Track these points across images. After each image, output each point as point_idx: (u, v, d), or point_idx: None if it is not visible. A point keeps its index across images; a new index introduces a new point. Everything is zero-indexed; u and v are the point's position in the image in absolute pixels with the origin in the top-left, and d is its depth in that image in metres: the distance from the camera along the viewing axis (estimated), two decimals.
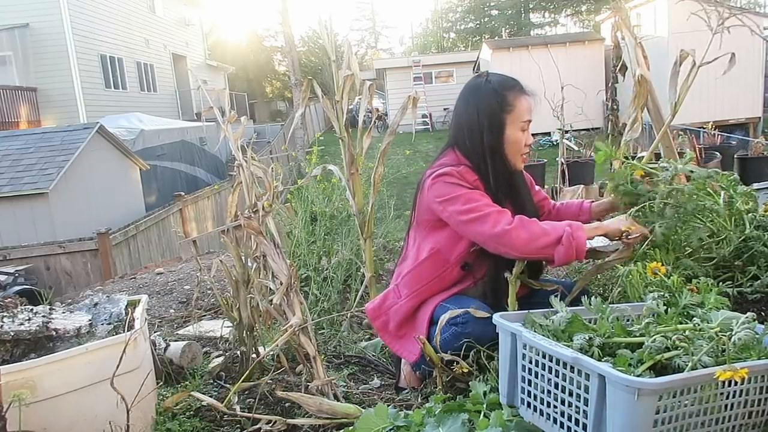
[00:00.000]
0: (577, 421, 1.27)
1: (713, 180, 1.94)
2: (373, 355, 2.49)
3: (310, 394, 1.84)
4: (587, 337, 1.35)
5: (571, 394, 1.29)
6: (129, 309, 1.95)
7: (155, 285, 4.22)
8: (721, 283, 1.87)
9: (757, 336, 1.30)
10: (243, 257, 2.22)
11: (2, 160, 9.27)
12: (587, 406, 1.24)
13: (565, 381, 1.30)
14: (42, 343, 1.72)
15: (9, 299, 1.95)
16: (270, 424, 1.78)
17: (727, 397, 1.24)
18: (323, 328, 2.86)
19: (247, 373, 2.05)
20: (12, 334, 1.66)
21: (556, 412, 1.33)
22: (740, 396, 1.25)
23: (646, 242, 1.82)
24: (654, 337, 1.29)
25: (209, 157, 16.74)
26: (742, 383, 1.21)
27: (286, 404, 1.97)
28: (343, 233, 3.64)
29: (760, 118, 14.77)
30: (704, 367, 1.21)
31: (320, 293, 3.16)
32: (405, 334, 1.97)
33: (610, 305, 1.55)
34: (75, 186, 9.45)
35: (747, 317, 1.33)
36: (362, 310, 2.81)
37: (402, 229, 4.34)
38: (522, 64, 14.92)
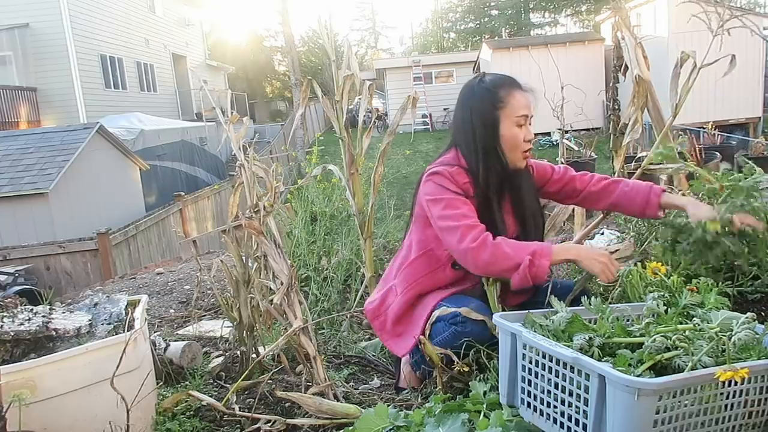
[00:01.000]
0: (577, 421, 1.27)
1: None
2: (373, 355, 2.50)
3: (309, 395, 1.84)
4: (587, 337, 1.35)
5: (571, 394, 1.29)
6: (129, 309, 1.95)
7: (155, 285, 4.22)
8: (721, 283, 1.87)
9: (757, 336, 1.30)
10: (243, 257, 2.22)
11: (2, 160, 9.27)
12: (587, 406, 1.24)
13: (565, 381, 1.30)
14: (42, 343, 1.72)
15: (9, 299, 1.95)
16: (270, 424, 1.78)
17: (727, 397, 1.24)
18: (323, 328, 2.86)
19: (246, 372, 2.05)
20: (12, 334, 1.66)
21: (556, 412, 1.33)
22: (740, 396, 1.25)
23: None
24: (654, 337, 1.29)
25: (209, 157, 16.74)
26: (742, 383, 1.21)
27: (286, 404, 1.97)
28: (343, 233, 3.64)
29: (760, 118, 14.75)
30: (704, 367, 1.21)
31: (320, 293, 3.16)
32: (402, 332, 1.97)
33: (610, 305, 1.55)
34: (75, 186, 9.45)
35: (747, 317, 1.33)
36: (362, 310, 2.81)
37: (402, 229, 4.34)
38: (522, 64, 14.92)
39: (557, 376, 1.32)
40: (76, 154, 9.37)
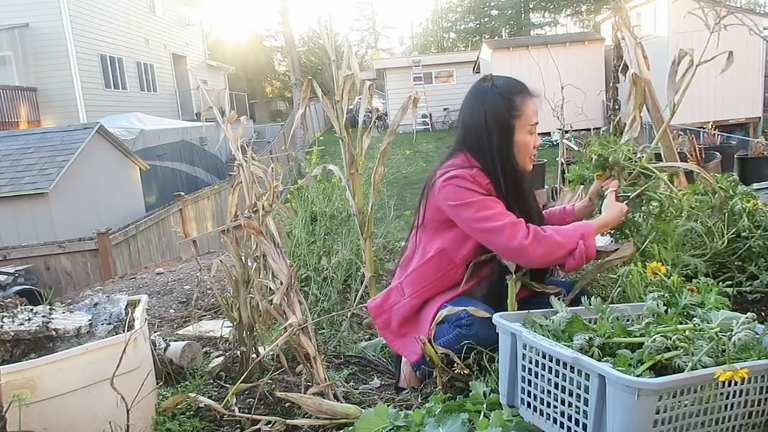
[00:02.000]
0: (577, 421, 1.27)
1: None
2: (373, 355, 2.49)
3: (309, 395, 1.84)
4: (587, 337, 1.35)
5: (571, 394, 1.29)
6: (129, 309, 1.95)
7: (155, 285, 4.22)
8: (720, 283, 1.88)
9: (757, 336, 1.30)
10: (243, 257, 2.22)
11: (2, 160, 9.27)
12: (587, 406, 1.24)
13: (565, 381, 1.30)
14: (42, 343, 1.72)
15: (9, 299, 1.95)
16: (269, 425, 1.78)
17: (727, 397, 1.24)
18: (323, 328, 2.86)
19: (246, 373, 2.05)
20: (12, 334, 1.66)
21: (556, 412, 1.33)
22: (740, 396, 1.25)
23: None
24: (654, 337, 1.29)
25: (209, 157, 16.74)
26: (742, 383, 1.21)
27: (286, 404, 1.97)
28: (343, 233, 3.64)
29: (760, 118, 14.76)
30: (704, 367, 1.21)
31: (320, 293, 3.16)
32: (407, 333, 1.97)
33: (610, 305, 1.55)
34: (75, 186, 9.45)
35: (747, 317, 1.33)
36: (363, 308, 2.81)
37: (402, 229, 4.34)
38: (522, 64, 14.93)
39: (557, 376, 1.32)
40: (76, 154, 9.37)
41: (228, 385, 2.19)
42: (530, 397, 1.42)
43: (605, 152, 1.98)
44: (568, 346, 1.33)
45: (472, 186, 1.82)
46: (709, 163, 6.72)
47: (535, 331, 1.44)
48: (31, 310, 1.81)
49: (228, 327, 2.64)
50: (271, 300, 2.05)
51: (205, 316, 3.32)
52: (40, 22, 14.30)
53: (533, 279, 1.90)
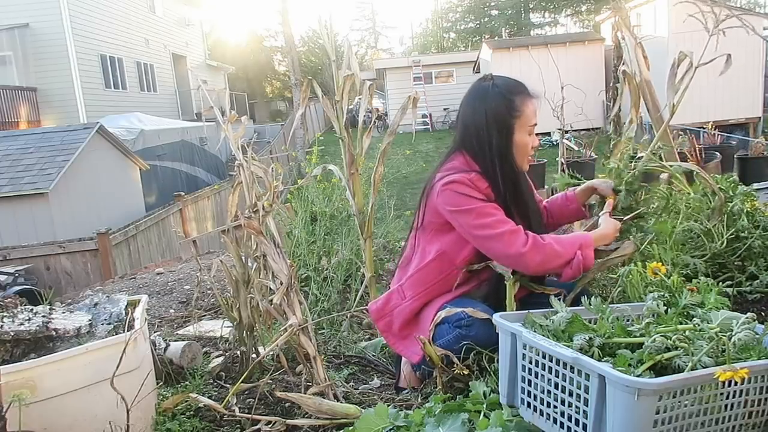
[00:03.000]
0: (577, 421, 1.27)
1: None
2: (373, 355, 2.49)
3: (309, 395, 1.84)
4: (587, 338, 1.35)
5: (571, 394, 1.29)
6: (129, 309, 1.95)
7: (155, 285, 4.22)
8: (720, 283, 1.88)
9: (757, 336, 1.30)
10: (243, 257, 2.22)
11: (2, 160, 9.27)
12: (587, 406, 1.24)
13: (565, 381, 1.30)
14: (42, 343, 1.72)
15: (9, 299, 1.95)
16: (269, 425, 1.78)
17: (727, 397, 1.24)
18: (323, 328, 2.86)
19: (246, 373, 2.05)
20: (12, 334, 1.66)
21: (556, 412, 1.33)
22: (740, 396, 1.25)
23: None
24: (654, 337, 1.29)
25: (209, 157, 16.73)
26: (742, 383, 1.21)
27: (286, 404, 1.97)
28: (343, 233, 3.64)
29: (760, 118, 14.76)
30: (704, 368, 1.21)
31: (320, 293, 3.16)
32: (408, 335, 1.97)
33: (610, 305, 1.55)
34: (75, 186, 9.45)
35: (747, 317, 1.33)
36: (363, 310, 2.81)
37: (402, 229, 4.34)
38: (522, 64, 14.92)
39: (557, 376, 1.32)
40: (76, 154, 9.37)
41: (228, 385, 2.19)
42: (530, 397, 1.42)
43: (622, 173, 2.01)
44: (568, 346, 1.33)
45: (471, 192, 1.83)
46: (709, 163, 6.72)
47: (535, 331, 1.44)
48: (31, 310, 1.81)
49: (228, 327, 2.64)
50: (271, 300, 2.05)
51: (205, 316, 3.32)
52: (40, 22, 14.30)
53: (533, 280, 1.91)
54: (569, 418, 1.30)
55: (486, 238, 1.79)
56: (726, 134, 11.41)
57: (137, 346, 1.71)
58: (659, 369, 1.27)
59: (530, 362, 1.40)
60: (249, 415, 1.83)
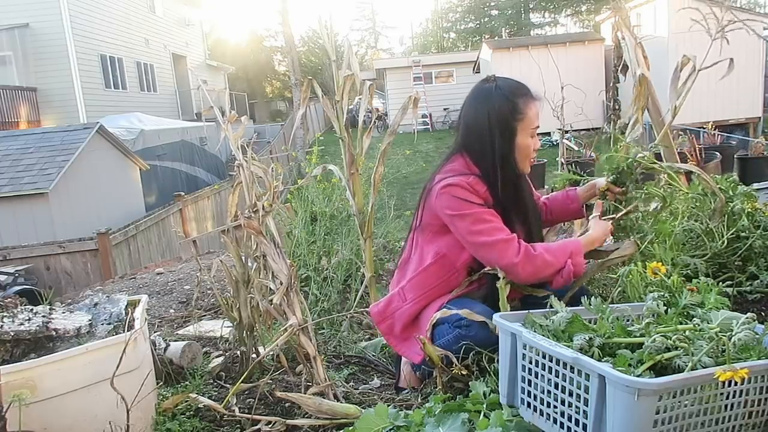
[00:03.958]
0: (577, 422, 1.27)
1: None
2: (373, 355, 2.49)
3: (309, 395, 1.84)
4: (587, 338, 1.35)
5: (571, 394, 1.29)
6: (129, 309, 1.95)
7: (155, 285, 4.22)
8: (720, 283, 1.88)
9: (757, 336, 1.30)
10: (243, 257, 2.22)
11: (2, 160, 9.27)
12: (587, 406, 1.24)
13: (565, 381, 1.30)
14: (42, 343, 1.72)
15: (9, 299, 1.95)
16: (269, 425, 1.78)
17: (727, 398, 1.24)
18: (323, 328, 2.86)
19: (246, 373, 2.05)
20: (12, 334, 1.66)
21: (556, 412, 1.33)
22: (740, 396, 1.25)
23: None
24: (654, 337, 1.29)
25: (209, 157, 16.74)
26: (742, 383, 1.21)
27: (286, 404, 1.97)
28: (343, 233, 3.64)
29: (760, 118, 14.76)
30: (704, 368, 1.21)
31: (320, 293, 3.16)
32: (410, 336, 1.97)
33: (610, 305, 1.55)
34: (75, 186, 9.45)
35: (747, 317, 1.33)
36: (362, 311, 2.81)
37: (402, 229, 4.34)
38: (522, 64, 14.92)
39: (557, 376, 1.32)
40: (76, 154, 9.37)
41: (228, 385, 2.19)
42: (530, 397, 1.42)
43: (620, 164, 2.01)
44: (568, 346, 1.33)
45: (469, 196, 1.83)
46: (709, 163, 6.73)
47: (535, 331, 1.44)
48: (31, 310, 1.81)
49: (228, 327, 2.64)
50: (271, 300, 2.05)
51: (205, 316, 3.32)
52: (40, 22, 14.30)
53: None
54: (569, 418, 1.30)
55: (480, 245, 1.80)
56: (726, 134, 11.41)
57: (137, 346, 1.71)
58: (659, 369, 1.27)
59: (530, 362, 1.40)
60: (249, 415, 1.83)
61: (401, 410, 1.58)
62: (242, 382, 1.97)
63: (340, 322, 2.89)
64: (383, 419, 1.52)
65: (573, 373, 1.27)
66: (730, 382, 1.18)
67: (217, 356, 2.51)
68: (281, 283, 1.95)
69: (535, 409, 1.40)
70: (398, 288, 2.01)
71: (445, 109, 21.41)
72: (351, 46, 2.65)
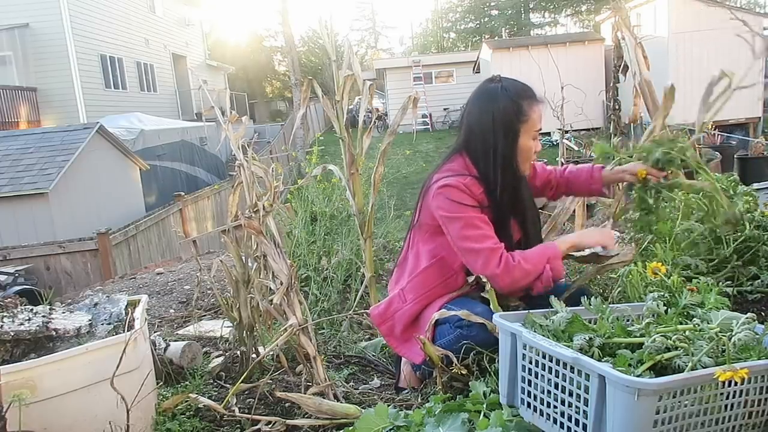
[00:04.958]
0: (577, 422, 1.27)
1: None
2: (373, 355, 2.50)
3: (309, 395, 1.84)
4: (587, 338, 1.35)
5: (571, 395, 1.29)
6: (129, 309, 1.95)
7: (155, 285, 4.22)
8: (721, 283, 1.87)
9: (757, 336, 1.30)
10: (243, 257, 2.22)
11: (2, 160, 9.27)
12: (587, 406, 1.24)
13: (565, 381, 1.30)
14: (42, 343, 1.72)
15: (9, 299, 1.95)
16: (269, 425, 1.78)
17: (727, 398, 1.24)
18: (323, 328, 2.86)
19: (246, 373, 2.05)
20: (12, 334, 1.66)
21: (556, 412, 1.33)
22: (740, 396, 1.25)
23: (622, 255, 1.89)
24: (654, 337, 1.29)
25: (209, 157, 16.73)
26: (742, 383, 1.21)
27: (286, 404, 1.97)
28: (343, 233, 3.64)
29: (760, 118, 14.74)
30: (704, 368, 1.21)
31: (320, 293, 3.16)
32: (410, 337, 1.97)
33: (610, 305, 1.55)
34: (75, 186, 9.45)
35: (747, 317, 1.33)
36: (362, 312, 2.81)
37: (402, 229, 4.34)
38: (522, 64, 14.92)
39: (557, 376, 1.32)
40: (76, 154, 9.37)
41: (228, 385, 2.19)
42: (530, 397, 1.42)
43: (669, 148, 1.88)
44: (568, 346, 1.33)
45: (463, 198, 1.83)
46: (709, 163, 6.72)
47: (535, 331, 1.44)
48: (31, 310, 1.81)
49: (228, 327, 2.64)
50: (271, 300, 2.05)
51: (205, 316, 3.32)
52: (40, 22, 14.30)
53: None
54: (569, 418, 1.30)
55: (467, 251, 1.81)
56: (726, 134, 11.41)
57: (137, 346, 1.71)
58: (659, 369, 1.27)
59: (530, 362, 1.40)
60: (249, 415, 1.83)
61: (401, 410, 1.58)
62: (242, 382, 1.97)
63: (340, 322, 2.89)
64: (383, 419, 1.52)
65: (573, 373, 1.27)
66: (730, 382, 1.18)
67: (217, 356, 2.51)
68: (281, 283, 1.95)
69: (535, 409, 1.40)
70: (398, 290, 2.01)
71: (445, 109, 21.41)
72: (351, 46, 2.65)
